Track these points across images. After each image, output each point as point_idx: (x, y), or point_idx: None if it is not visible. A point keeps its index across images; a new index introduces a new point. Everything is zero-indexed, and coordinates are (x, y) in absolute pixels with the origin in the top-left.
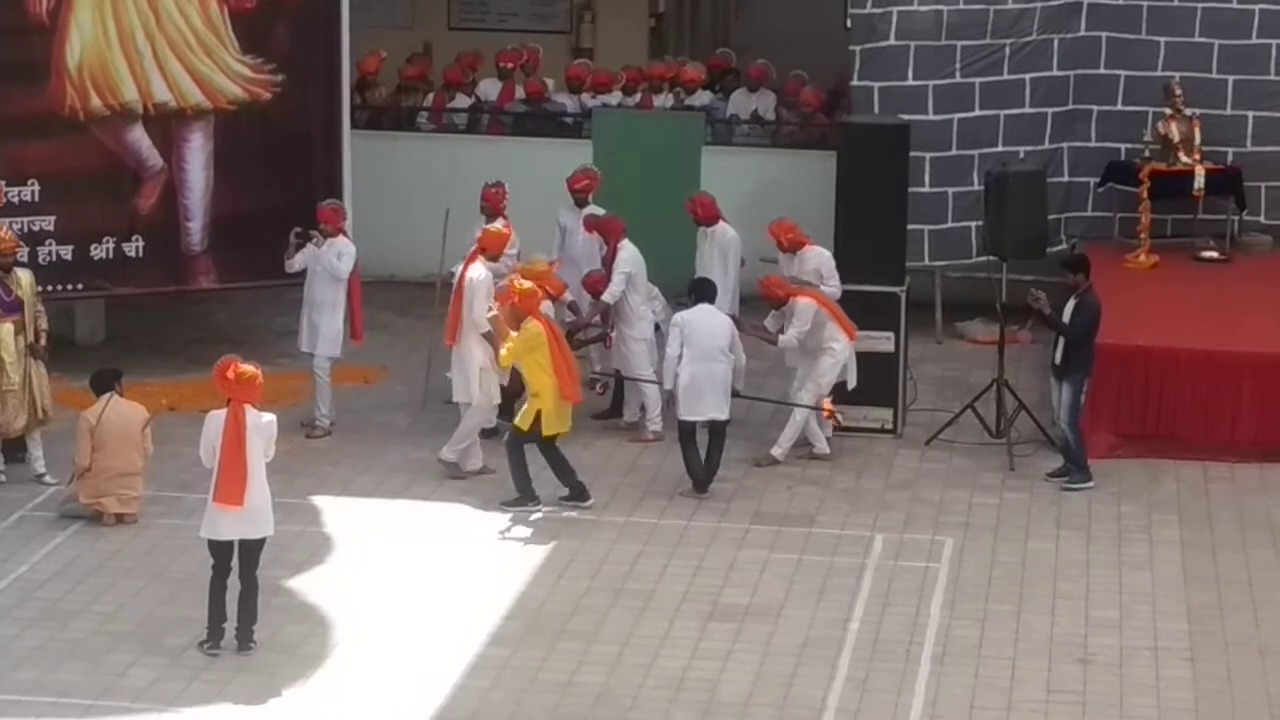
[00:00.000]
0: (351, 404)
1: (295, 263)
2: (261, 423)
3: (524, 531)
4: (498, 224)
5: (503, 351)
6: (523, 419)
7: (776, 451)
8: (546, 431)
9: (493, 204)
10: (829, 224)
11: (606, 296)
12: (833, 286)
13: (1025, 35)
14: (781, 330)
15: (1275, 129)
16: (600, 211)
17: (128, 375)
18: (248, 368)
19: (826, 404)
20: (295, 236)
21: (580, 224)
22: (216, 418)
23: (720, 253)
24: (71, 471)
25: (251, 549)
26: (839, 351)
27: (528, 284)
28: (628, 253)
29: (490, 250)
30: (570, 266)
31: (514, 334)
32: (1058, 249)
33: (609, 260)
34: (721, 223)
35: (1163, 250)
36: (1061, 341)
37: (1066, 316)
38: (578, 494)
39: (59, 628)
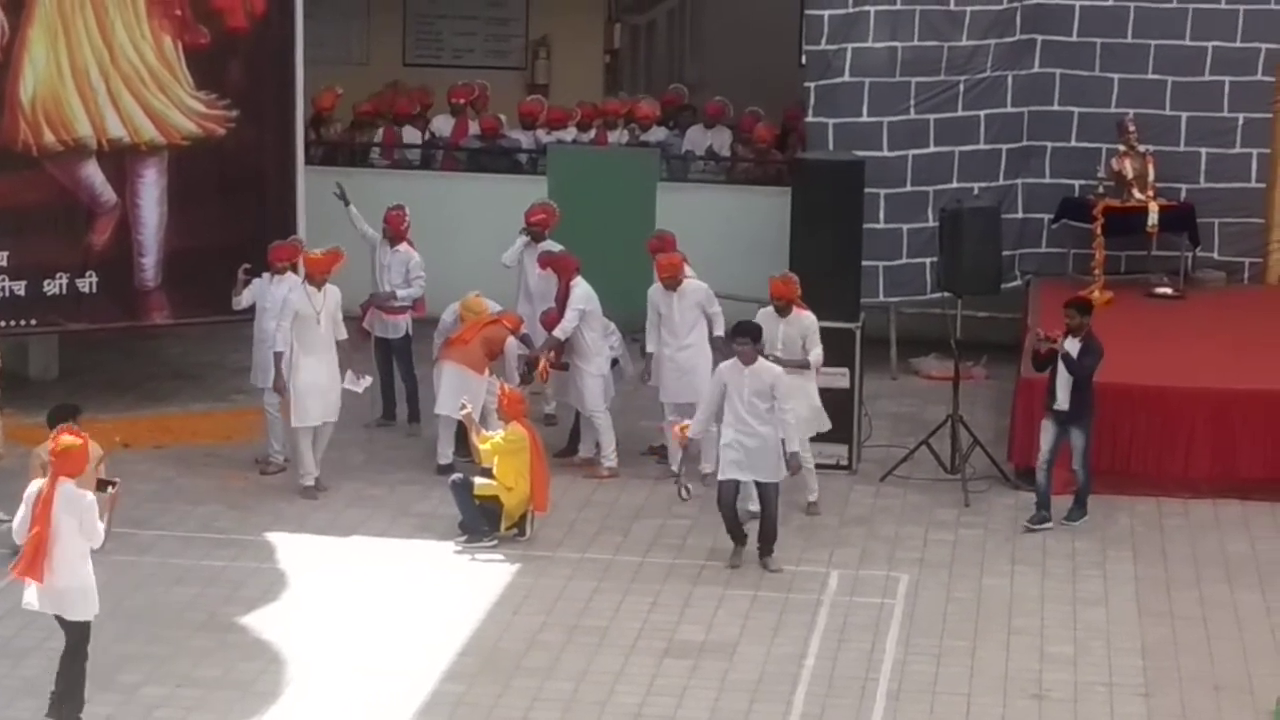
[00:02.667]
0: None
1: (243, 299)
2: (77, 499)
3: (479, 568)
4: (401, 247)
5: (484, 447)
6: (483, 489)
7: (813, 498)
8: (508, 523)
9: (393, 227)
10: (784, 260)
11: (558, 332)
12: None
13: (979, 72)
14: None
15: (1228, 165)
16: (556, 247)
17: (81, 411)
18: (70, 439)
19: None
20: (243, 273)
21: (535, 259)
22: (34, 485)
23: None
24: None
25: (69, 630)
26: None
27: (516, 392)
28: (582, 290)
29: (310, 274)
30: (525, 302)
31: (497, 434)
32: (1012, 285)
33: (562, 297)
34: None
35: (1117, 286)
36: (1066, 385)
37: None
38: (477, 533)
39: (12, 665)
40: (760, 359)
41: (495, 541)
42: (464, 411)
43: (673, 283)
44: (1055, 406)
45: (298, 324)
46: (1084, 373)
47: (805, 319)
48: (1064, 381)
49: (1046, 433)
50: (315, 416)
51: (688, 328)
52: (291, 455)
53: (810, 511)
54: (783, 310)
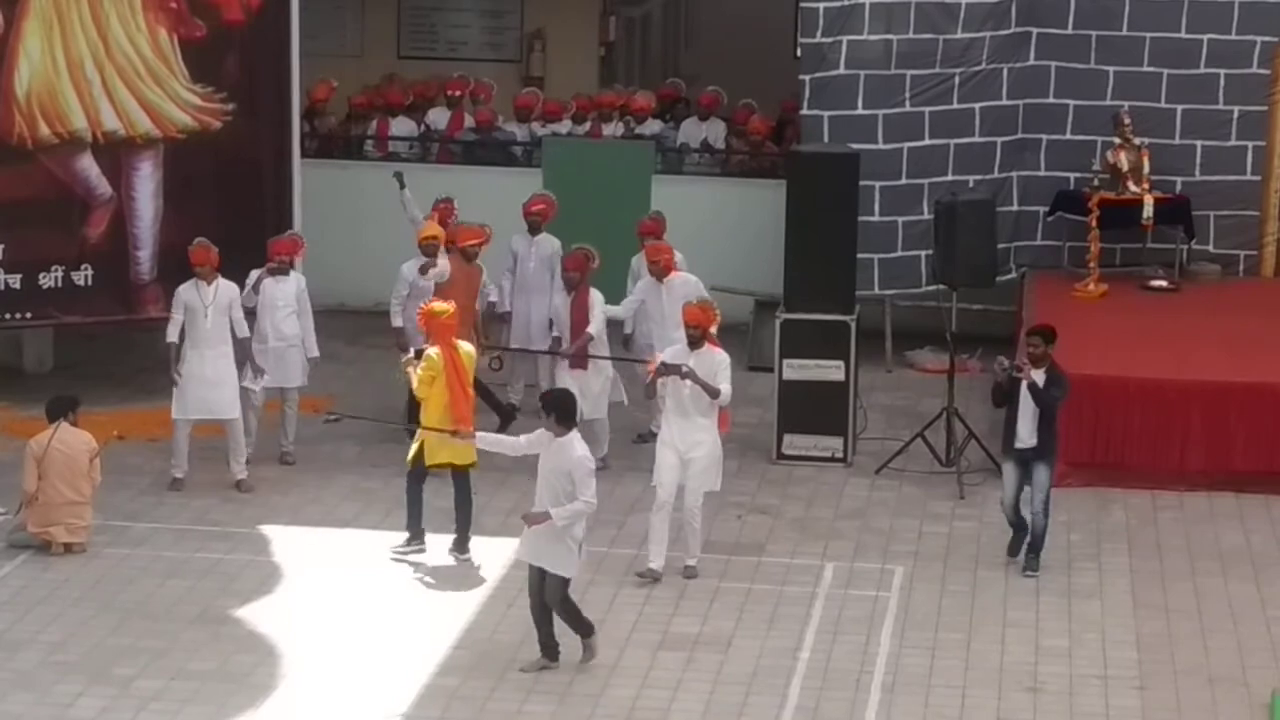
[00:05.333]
0: (300, 433)
1: (255, 297)
2: None
3: (474, 560)
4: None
5: (415, 386)
6: (412, 455)
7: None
8: (429, 460)
9: (442, 220)
10: (779, 253)
11: (592, 329)
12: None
13: (975, 65)
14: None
15: (1223, 158)
16: (555, 241)
17: (80, 403)
18: None
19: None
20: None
21: (533, 249)
22: None
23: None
24: (19, 500)
25: None
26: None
27: (441, 306)
28: (596, 290)
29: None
30: (522, 294)
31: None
32: (1007, 278)
33: (582, 298)
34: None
35: (1112, 279)
36: (1030, 420)
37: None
38: (414, 537)
39: (6, 657)
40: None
41: (421, 547)
42: (405, 358)
43: (660, 272)
44: (1018, 445)
45: (187, 317)
46: (1052, 405)
47: (718, 357)
48: (1028, 415)
49: (1008, 476)
50: (193, 411)
51: (675, 322)
52: (172, 445)
53: (687, 574)
54: (695, 341)
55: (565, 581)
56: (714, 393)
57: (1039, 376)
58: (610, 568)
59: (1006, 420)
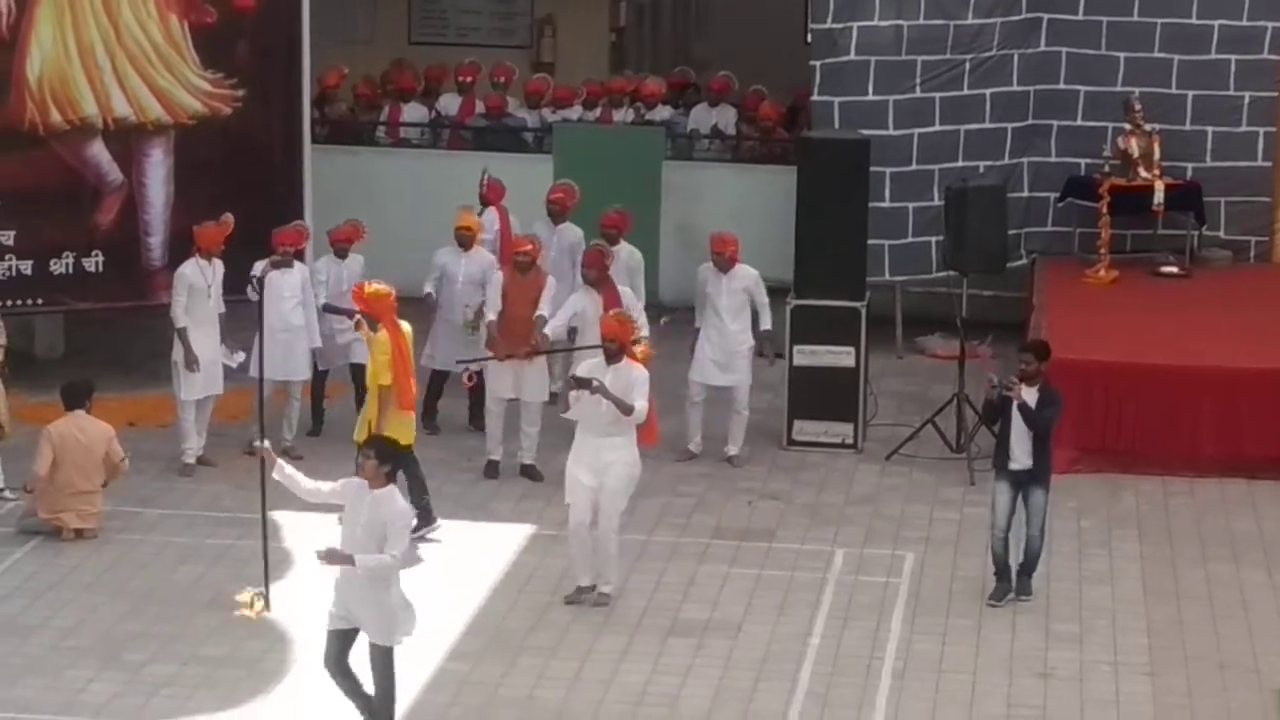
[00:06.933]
0: (311, 419)
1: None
2: None
3: (484, 545)
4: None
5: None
6: (359, 429)
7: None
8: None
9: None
10: (789, 239)
11: (646, 332)
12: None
13: (985, 50)
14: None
15: (1234, 144)
16: (578, 230)
17: (95, 389)
18: None
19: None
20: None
21: (554, 238)
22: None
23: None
24: (25, 483)
25: None
26: None
27: (382, 289)
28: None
29: (201, 247)
30: None
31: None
32: (1018, 264)
33: (609, 295)
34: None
35: (1123, 265)
36: (1023, 440)
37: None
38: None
39: (18, 643)
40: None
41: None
42: (354, 319)
43: (725, 263)
44: (1013, 465)
45: (190, 297)
46: (1045, 426)
47: (635, 373)
48: (1020, 436)
49: (1001, 496)
50: (199, 390)
51: (734, 312)
52: (177, 429)
53: (597, 601)
54: (612, 355)
55: (389, 651)
56: (626, 409)
57: (1030, 395)
58: (621, 552)
59: (999, 439)
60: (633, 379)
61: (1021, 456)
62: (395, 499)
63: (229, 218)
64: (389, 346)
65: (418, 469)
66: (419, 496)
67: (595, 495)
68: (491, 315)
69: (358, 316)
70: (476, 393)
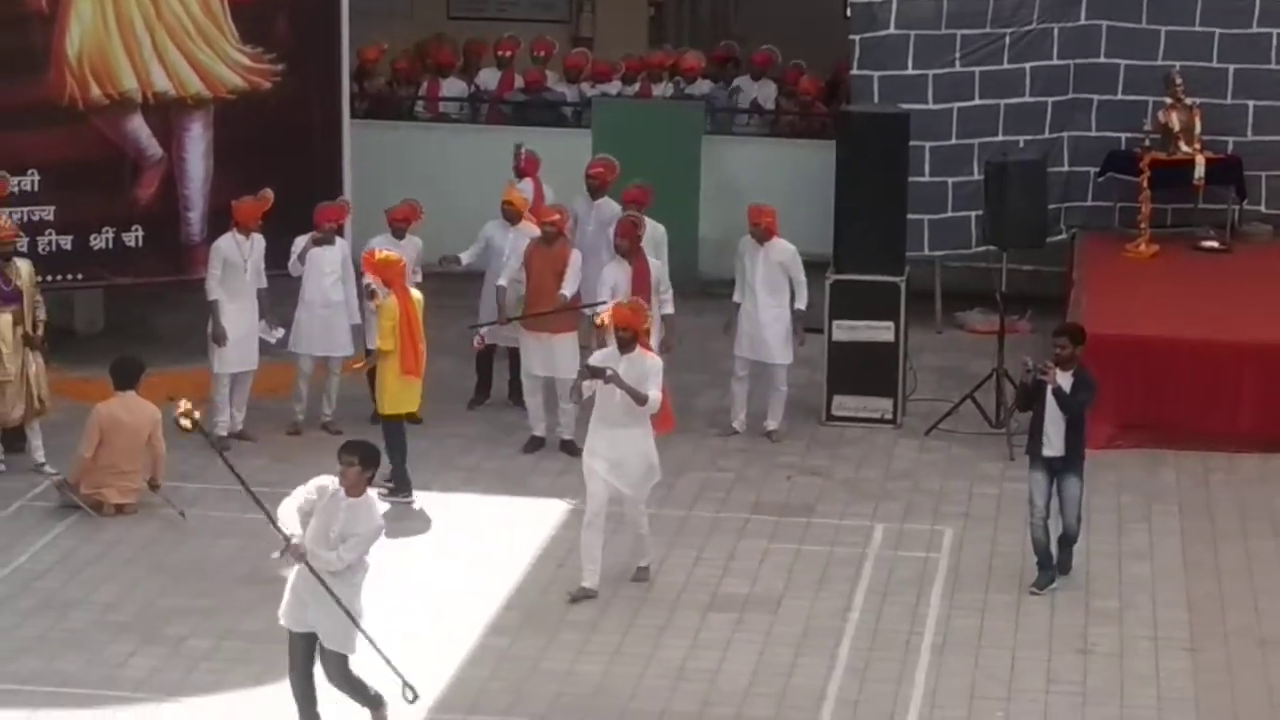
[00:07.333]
0: (353, 392)
1: (300, 266)
2: None
3: (524, 520)
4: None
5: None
6: (380, 400)
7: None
8: (383, 410)
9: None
10: (829, 213)
11: (670, 309)
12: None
13: (1025, 24)
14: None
15: (1276, 118)
16: (617, 205)
17: (146, 369)
18: None
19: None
20: (309, 241)
21: (592, 213)
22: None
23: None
24: (73, 464)
25: None
26: None
27: (392, 255)
28: (661, 268)
29: (239, 221)
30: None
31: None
32: (1058, 238)
33: (641, 267)
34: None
35: (1163, 240)
36: (1058, 425)
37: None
38: (400, 484)
39: (58, 618)
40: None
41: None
42: (368, 285)
43: (762, 235)
44: (1047, 452)
45: (225, 271)
46: (1079, 411)
47: (649, 362)
48: (1055, 421)
49: (1037, 485)
50: (234, 364)
51: (770, 286)
52: (210, 402)
53: (637, 577)
54: (625, 344)
55: (345, 658)
56: (640, 399)
57: (1065, 380)
58: (660, 528)
59: (1033, 424)
60: (646, 368)
61: (1056, 442)
62: (373, 513)
63: (268, 193)
64: (396, 312)
65: (402, 438)
66: (399, 465)
67: (613, 486)
68: (502, 281)
69: (368, 284)
70: (485, 354)
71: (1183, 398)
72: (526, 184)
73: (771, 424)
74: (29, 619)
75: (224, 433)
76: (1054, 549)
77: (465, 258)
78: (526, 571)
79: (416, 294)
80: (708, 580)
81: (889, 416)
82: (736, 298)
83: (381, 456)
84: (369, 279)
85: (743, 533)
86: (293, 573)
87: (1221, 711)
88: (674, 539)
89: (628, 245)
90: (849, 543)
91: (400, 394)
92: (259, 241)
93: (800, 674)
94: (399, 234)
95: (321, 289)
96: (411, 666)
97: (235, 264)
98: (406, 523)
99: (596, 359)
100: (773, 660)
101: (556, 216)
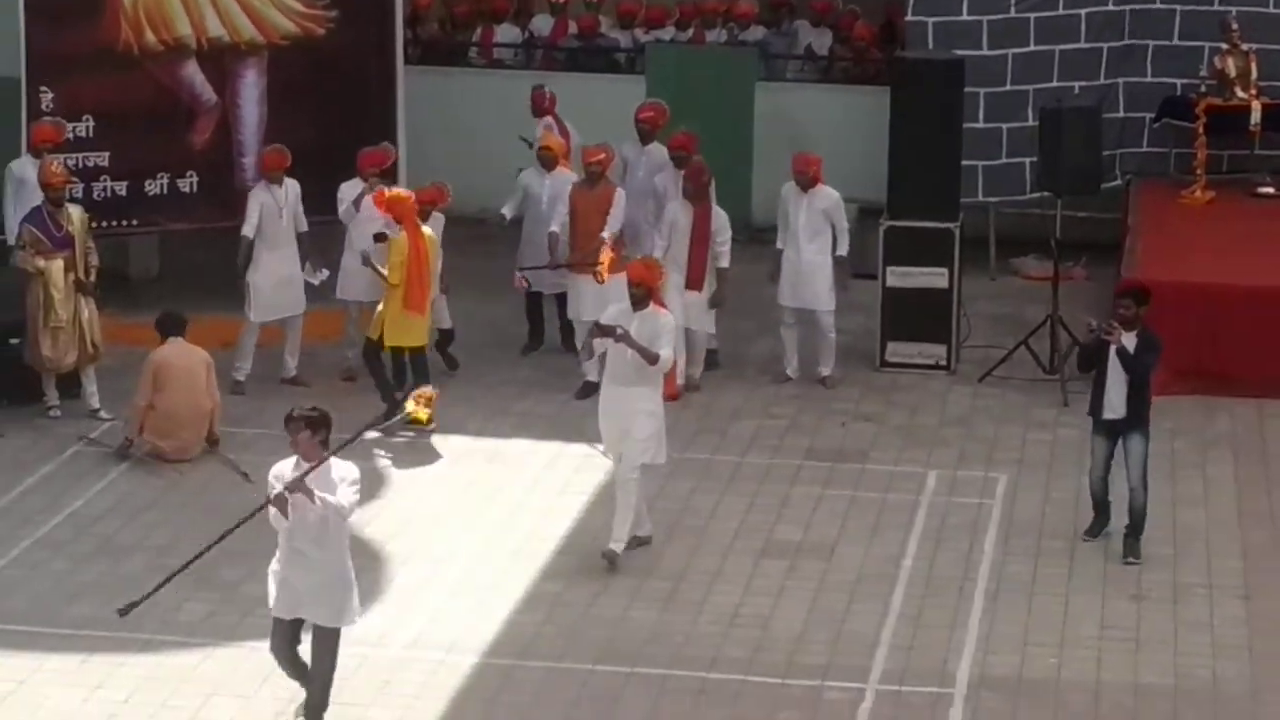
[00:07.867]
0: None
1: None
2: None
3: (576, 466)
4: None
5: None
6: (373, 327)
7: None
8: (387, 341)
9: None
10: (883, 160)
11: (725, 262)
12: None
13: None
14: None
15: None
16: (662, 150)
17: (188, 322)
18: None
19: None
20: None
21: (643, 158)
22: None
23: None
24: (131, 413)
25: None
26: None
27: (403, 192)
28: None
29: (268, 169)
30: (632, 200)
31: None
32: (1112, 185)
33: (704, 211)
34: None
35: (1219, 186)
36: (1120, 388)
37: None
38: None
39: (114, 563)
40: None
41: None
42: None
43: (808, 182)
44: (1109, 415)
45: (262, 217)
46: (1143, 372)
47: (662, 320)
48: (1117, 383)
49: (1099, 448)
50: (272, 312)
51: (811, 233)
52: (237, 347)
53: (605, 557)
54: (639, 301)
55: (337, 633)
56: (651, 358)
57: (1129, 341)
58: (713, 475)
59: (1094, 386)
60: (659, 326)
61: (1118, 405)
62: (340, 467)
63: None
64: (405, 248)
65: (426, 374)
66: (389, 395)
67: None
68: (555, 227)
69: (383, 230)
70: (535, 301)
71: (1238, 344)
72: (549, 123)
73: (824, 370)
74: (85, 564)
75: (242, 378)
76: (1110, 499)
77: (508, 212)
78: (579, 517)
79: (429, 232)
80: (761, 526)
81: (943, 363)
82: (779, 244)
83: (330, 416)
84: (384, 224)
85: (796, 479)
86: (276, 563)
87: (1276, 659)
88: (727, 485)
89: (695, 189)
90: (903, 489)
91: (402, 327)
92: (293, 187)
93: (853, 620)
94: (424, 216)
95: (366, 235)
96: (465, 610)
97: (271, 209)
98: (460, 469)
99: (608, 316)
100: (826, 606)
101: (601, 155)
